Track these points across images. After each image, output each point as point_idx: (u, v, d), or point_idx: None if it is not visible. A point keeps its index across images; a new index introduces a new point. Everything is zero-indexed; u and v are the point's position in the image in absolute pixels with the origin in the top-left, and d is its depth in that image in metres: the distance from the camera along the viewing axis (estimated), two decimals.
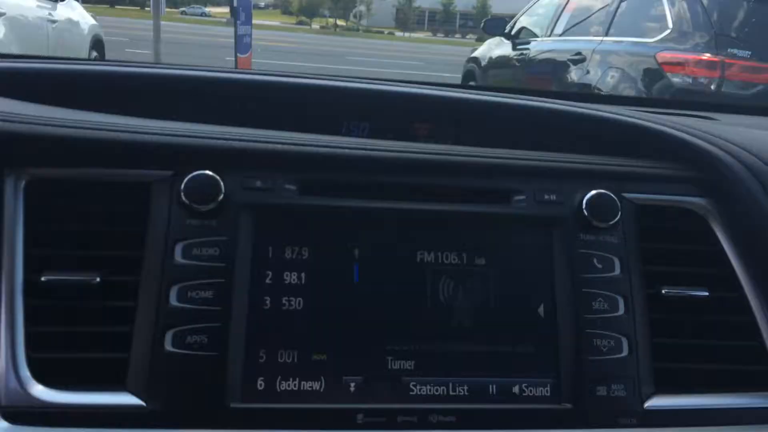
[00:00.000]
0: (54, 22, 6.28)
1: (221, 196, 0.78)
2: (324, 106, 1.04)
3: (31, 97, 0.90)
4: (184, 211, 0.78)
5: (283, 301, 0.78)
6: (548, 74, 5.41)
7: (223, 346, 0.74)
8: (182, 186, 0.78)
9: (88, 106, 0.89)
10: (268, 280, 0.78)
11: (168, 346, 0.74)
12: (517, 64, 6.01)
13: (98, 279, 0.75)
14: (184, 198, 0.77)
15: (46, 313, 0.75)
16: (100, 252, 0.77)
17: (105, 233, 0.78)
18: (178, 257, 0.76)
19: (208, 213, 0.78)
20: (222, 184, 0.78)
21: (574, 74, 4.97)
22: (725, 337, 0.85)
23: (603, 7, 5.05)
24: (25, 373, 0.72)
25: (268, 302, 0.77)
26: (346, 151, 0.84)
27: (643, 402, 0.80)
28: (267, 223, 0.80)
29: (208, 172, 0.79)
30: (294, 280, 0.79)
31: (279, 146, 0.82)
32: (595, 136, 0.98)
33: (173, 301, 0.75)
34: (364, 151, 0.84)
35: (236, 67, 7.19)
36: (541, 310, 0.81)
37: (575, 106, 1.01)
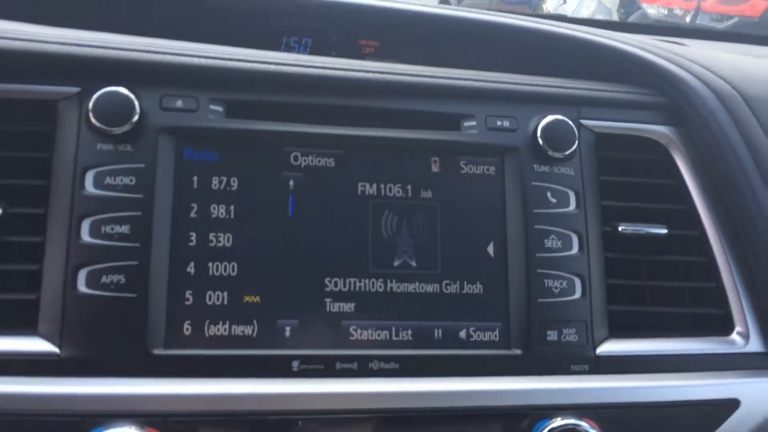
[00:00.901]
0: None
1: (136, 117, 0.70)
2: (262, 17, 0.94)
3: None
4: (94, 134, 0.70)
5: (210, 237, 0.71)
6: (524, 4, 5.29)
7: (143, 286, 0.68)
8: (91, 104, 0.69)
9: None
10: (192, 214, 0.71)
11: (81, 287, 0.67)
12: None
13: (0, 211, 0.67)
14: (93, 119, 0.69)
15: None
16: (1, 181, 0.69)
17: (5, 159, 0.70)
18: (90, 187, 0.69)
19: (121, 136, 0.70)
20: (137, 103, 0.70)
21: (549, 4, 4.87)
22: (683, 278, 0.82)
23: None
24: None
25: (193, 238, 0.71)
26: (282, 68, 0.75)
27: (595, 347, 0.76)
28: (189, 149, 0.72)
29: (120, 88, 0.70)
30: (222, 213, 0.72)
31: (204, 60, 0.74)
32: (550, 55, 0.91)
33: (85, 236, 0.68)
34: (299, 69, 0.76)
35: None
36: (490, 248, 0.76)
37: (531, 21, 0.93)
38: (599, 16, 4.32)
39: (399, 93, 0.78)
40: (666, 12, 4.13)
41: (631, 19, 4.15)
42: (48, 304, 0.67)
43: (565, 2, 4.81)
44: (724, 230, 0.80)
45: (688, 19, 4.03)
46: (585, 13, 4.40)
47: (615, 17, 4.29)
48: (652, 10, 4.11)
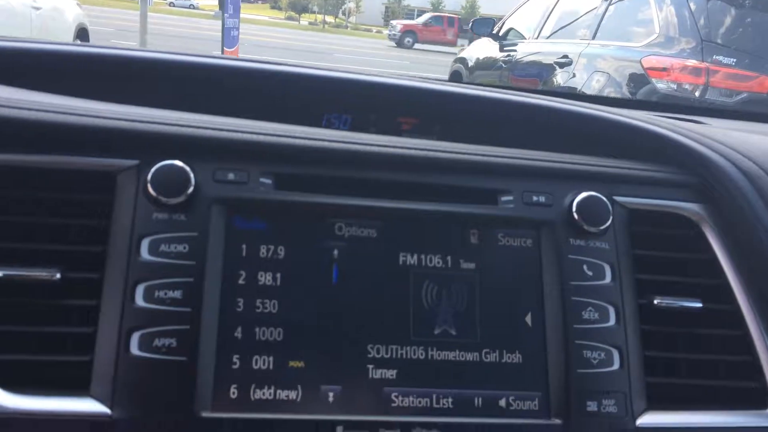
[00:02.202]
0: (38, 9, 6.15)
1: (191, 189, 0.73)
2: (305, 96, 0.99)
3: None
4: (151, 204, 0.73)
5: (257, 304, 0.73)
6: (534, 76, 5.41)
7: (193, 350, 0.69)
8: (149, 176, 0.73)
9: (49, 88, 0.84)
10: (240, 281, 0.73)
11: (134, 350, 0.69)
12: (503, 65, 5.99)
13: (58, 275, 0.70)
14: (151, 190, 0.72)
15: (3, 311, 0.70)
16: (60, 246, 0.72)
17: (66, 226, 0.73)
18: (145, 254, 0.72)
19: (176, 206, 0.73)
20: (192, 175, 0.73)
21: (560, 77, 4.97)
22: (718, 351, 0.82)
23: (591, 11, 5.05)
24: None
25: (241, 304, 0.73)
26: (326, 143, 0.79)
27: (635, 419, 0.76)
28: (240, 219, 0.75)
29: (177, 162, 0.74)
30: (269, 281, 0.74)
31: (254, 136, 0.78)
32: (585, 135, 0.95)
33: (139, 301, 0.70)
34: (344, 145, 0.80)
35: None
36: (528, 318, 0.78)
37: (566, 104, 0.97)
38: (609, 90, 4.42)
39: (438, 168, 0.81)
40: (675, 87, 4.21)
41: (640, 93, 4.23)
42: (101, 366, 0.69)
43: (574, 76, 4.91)
44: (757, 304, 0.81)
45: (697, 93, 4.10)
46: (595, 87, 4.50)
47: (625, 91, 4.37)
48: (662, 85, 4.19)
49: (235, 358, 0.71)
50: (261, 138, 0.78)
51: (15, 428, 0.66)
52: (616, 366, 0.77)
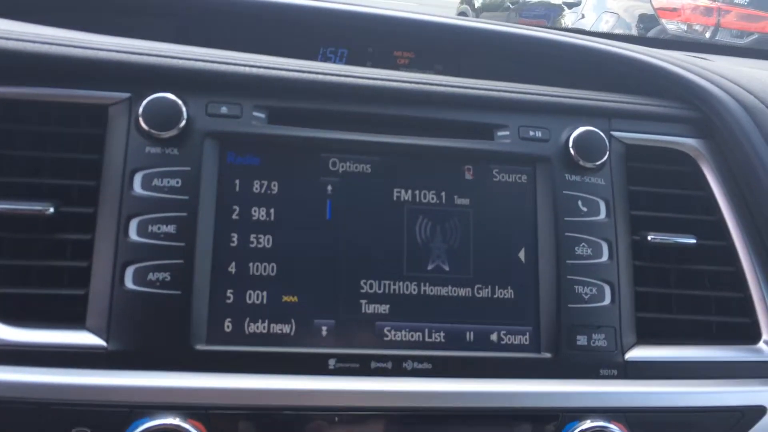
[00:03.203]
0: None
1: (183, 122, 0.72)
2: (300, 28, 0.97)
3: None
4: (143, 137, 0.72)
5: (251, 239, 0.73)
6: (542, 17, 5.30)
7: (187, 284, 0.70)
8: (140, 109, 0.72)
9: (38, 18, 0.82)
10: (234, 216, 0.73)
11: (128, 283, 0.69)
12: (510, 5, 5.87)
13: (52, 209, 0.70)
14: (143, 123, 0.72)
15: None
16: (53, 180, 0.72)
17: (58, 160, 0.73)
18: (138, 188, 0.72)
19: (169, 140, 0.73)
20: (184, 108, 0.73)
21: (568, 18, 4.87)
22: (711, 287, 0.83)
23: None
24: None
25: (235, 239, 0.73)
26: (320, 76, 0.78)
27: (624, 353, 0.77)
28: (233, 153, 0.75)
29: (169, 95, 0.73)
30: (262, 216, 0.74)
31: (247, 69, 0.76)
32: (584, 68, 0.93)
33: (133, 235, 0.70)
34: (339, 78, 0.78)
35: None
36: (522, 254, 0.78)
37: (564, 35, 0.95)
38: (618, 31, 4.33)
39: (434, 103, 0.80)
40: (685, 28, 4.12)
41: (650, 34, 4.15)
42: (96, 300, 0.70)
43: (583, 16, 4.81)
44: (751, 241, 0.81)
45: (707, 35, 4.02)
46: (604, 28, 4.41)
47: (634, 32, 4.29)
48: (672, 26, 4.11)
49: (229, 293, 0.72)
50: (254, 71, 0.76)
51: (12, 359, 0.67)
52: (607, 301, 0.78)
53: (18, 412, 0.66)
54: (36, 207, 0.70)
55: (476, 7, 6.64)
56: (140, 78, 0.74)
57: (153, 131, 0.72)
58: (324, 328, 0.73)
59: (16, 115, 0.73)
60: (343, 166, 0.77)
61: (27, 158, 0.73)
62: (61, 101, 0.73)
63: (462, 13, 7.02)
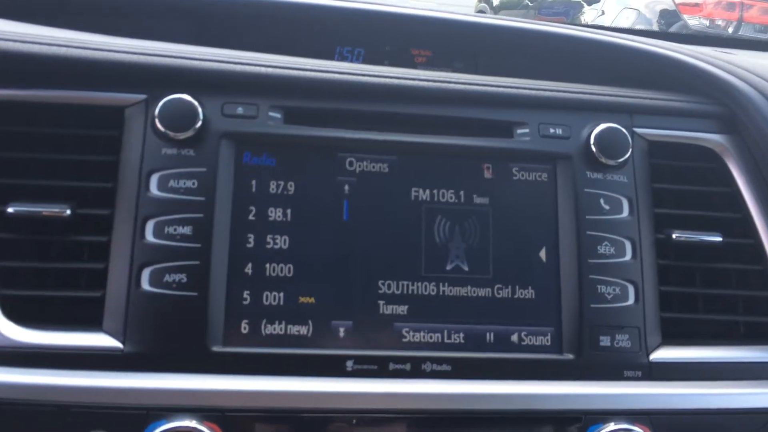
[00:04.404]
0: None
1: (199, 123, 0.72)
2: (317, 28, 0.96)
3: None
4: (159, 138, 0.72)
5: (268, 240, 0.73)
6: (561, 15, 5.26)
7: (204, 285, 0.70)
8: (157, 111, 0.72)
9: (56, 22, 0.83)
10: (251, 217, 0.73)
11: (145, 285, 0.69)
12: (529, 3, 5.84)
13: (68, 211, 0.70)
14: (159, 124, 0.72)
15: (14, 247, 0.70)
16: (70, 183, 0.72)
17: (75, 162, 0.73)
18: (154, 189, 0.71)
19: (185, 141, 0.72)
20: (200, 109, 0.72)
21: (588, 15, 4.83)
22: (737, 286, 0.81)
23: None
24: None
25: (251, 240, 0.72)
26: (336, 76, 0.77)
27: (648, 354, 0.75)
28: (249, 154, 0.74)
29: (184, 96, 0.72)
30: (279, 216, 0.73)
31: (263, 69, 0.76)
32: (605, 65, 0.91)
33: (149, 236, 0.70)
34: (355, 77, 0.77)
35: None
36: (542, 253, 0.76)
37: (584, 31, 0.93)
38: (639, 27, 4.28)
39: (452, 101, 0.79)
40: (707, 23, 4.07)
41: (672, 30, 4.09)
42: (113, 302, 0.69)
43: (603, 13, 4.77)
44: None
45: (730, 30, 3.96)
46: (624, 24, 4.36)
47: (655, 28, 4.24)
48: (694, 21, 4.05)
49: (246, 294, 0.71)
50: (270, 71, 0.76)
51: (29, 362, 0.67)
52: (630, 301, 0.76)
53: (35, 414, 0.66)
54: (53, 209, 0.70)
55: (494, 5, 6.61)
56: (156, 79, 0.74)
57: (169, 132, 0.72)
58: (341, 329, 0.72)
59: (32, 118, 0.73)
60: (360, 166, 0.76)
61: (44, 160, 0.73)
62: (77, 103, 0.73)
63: (481, 11, 6.99)
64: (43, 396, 0.66)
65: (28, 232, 0.71)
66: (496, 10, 6.57)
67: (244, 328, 0.71)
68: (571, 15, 5.12)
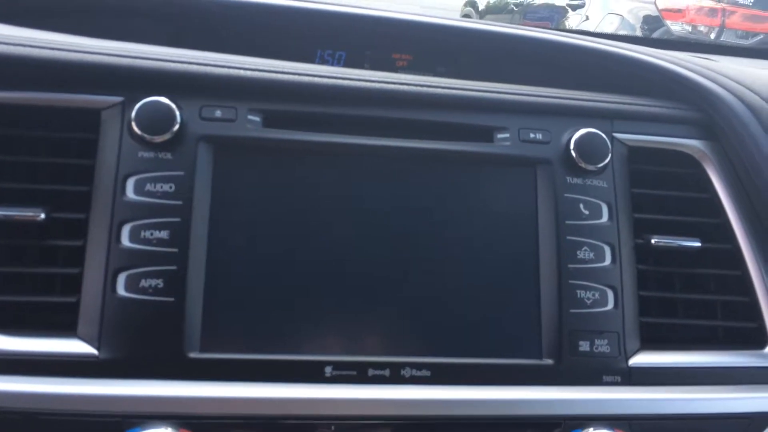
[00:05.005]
0: None
1: (176, 126, 0.71)
2: (297, 31, 0.96)
3: None
4: (136, 142, 0.71)
5: (246, 244, 0.72)
6: (546, 19, 5.29)
7: (181, 291, 0.69)
8: (134, 114, 0.71)
9: (29, 22, 0.81)
10: (229, 221, 0.72)
11: (120, 290, 0.68)
12: (514, 8, 5.86)
13: (43, 215, 0.69)
14: (135, 127, 0.71)
15: None
16: (44, 186, 0.71)
17: (49, 165, 0.72)
18: (131, 193, 0.70)
19: (162, 145, 0.71)
20: (177, 112, 0.71)
21: (572, 20, 4.86)
22: (716, 291, 0.81)
23: None
24: None
25: (229, 245, 0.71)
26: (317, 79, 0.76)
27: (627, 359, 0.76)
28: (227, 158, 0.73)
29: (162, 98, 0.72)
30: (257, 221, 0.72)
31: (242, 72, 0.75)
32: (585, 70, 0.91)
33: (125, 241, 0.69)
34: (335, 80, 0.77)
35: None
36: (522, 258, 0.76)
37: (565, 36, 0.93)
38: (622, 33, 4.31)
39: (432, 105, 0.79)
40: (690, 29, 4.10)
41: (655, 35, 4.13)
42: (88, 307, 0.68)
43: (587, 18, 4.79)
44: (757, 243, 0.80)
45: (712, 36, 4.00)
46: (608, 29, 4.39)
47: (639, 33, 4.27)
48: (676, 27, 4.09)
49: (224, 299, 0.70)
50: (249, 74, 0.75)
51: (2, 369, 0.66)
52: (610, 306, 0.76)
53: (4, 422, 0.65)
54: (27, 213, 0.69)
55: (480, 9, 6.64)
56: (133, 82, 0.73)
57: (146, 135, 0.71)
58: (320, 335, 0.72)
59: (5, 120, 0.72)
60: (338, 170, 0.75)
61: (17, 163, 0.72)
62: (52, 105, 0.72)
63: (466, 16, 7.02)
64: (12, 403, 0.65)
65: (1, 236, 0.69)
66: (481, 15, 6.58)
67: (222, 334, 0.70)
68: (555, 20, 5.15)
